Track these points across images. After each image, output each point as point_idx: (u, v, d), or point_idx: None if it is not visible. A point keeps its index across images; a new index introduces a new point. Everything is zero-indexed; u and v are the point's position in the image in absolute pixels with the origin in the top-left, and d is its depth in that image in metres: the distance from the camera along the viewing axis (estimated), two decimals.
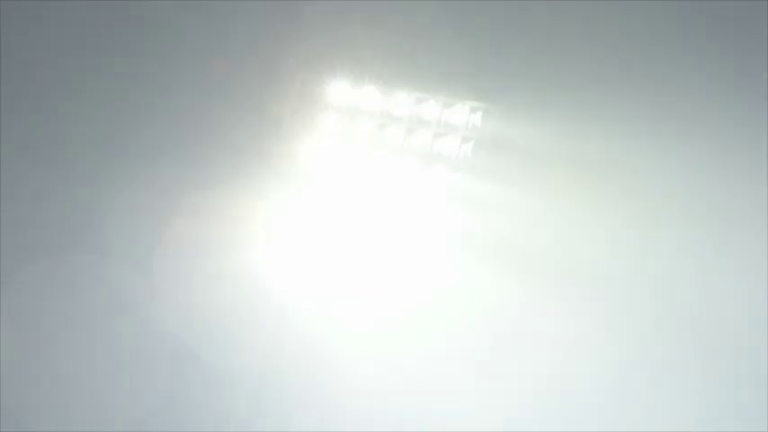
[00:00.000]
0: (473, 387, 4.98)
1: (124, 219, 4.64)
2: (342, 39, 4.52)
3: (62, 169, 4.66)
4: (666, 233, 4.75)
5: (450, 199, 4.88)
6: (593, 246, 4.80)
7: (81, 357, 4.84)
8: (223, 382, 4.95)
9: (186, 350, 4.81)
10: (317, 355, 5.00)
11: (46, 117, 4.59)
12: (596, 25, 4.49)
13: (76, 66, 4.56)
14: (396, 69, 4.62)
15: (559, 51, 4.55)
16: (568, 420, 4.89)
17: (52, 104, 4.59)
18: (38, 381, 4.83)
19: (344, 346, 5.00)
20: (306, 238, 4.93)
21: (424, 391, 4.95)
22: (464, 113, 4.73)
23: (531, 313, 4.93)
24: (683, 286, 4.78)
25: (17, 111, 4.55)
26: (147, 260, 4.68)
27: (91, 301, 4.78)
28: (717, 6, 4.40)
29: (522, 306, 4.92)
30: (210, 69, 4.56)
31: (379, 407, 4.93)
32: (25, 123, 4.58)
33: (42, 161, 4.64)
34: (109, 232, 4.66)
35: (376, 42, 4.53)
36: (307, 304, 4.98)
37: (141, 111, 4.63)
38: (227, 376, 4.94)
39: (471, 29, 4.50)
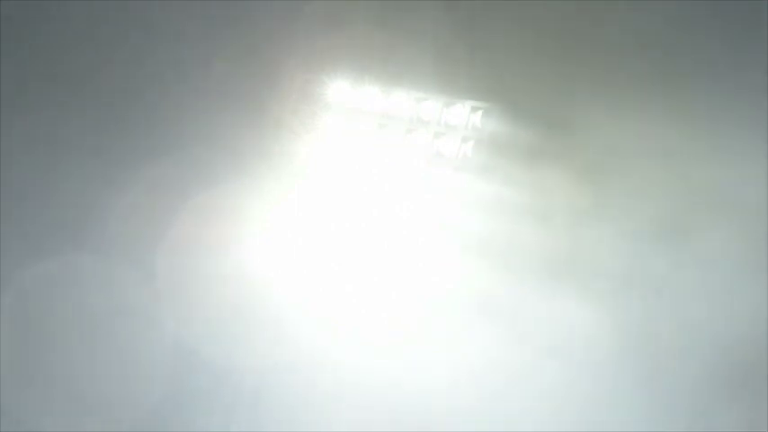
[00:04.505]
0: (474, 386, 4.98)
1: (124, 219, 4.64)
2: (342, 39, 4.52)
3: (62, 169, 4.66)
4: (668, 233, 4.75)
5: (450, 199, 4.88)
6: (594, 245, 4.80)
7: (81, 357, 4.85)
8: (224, 383, 4.96)
9: (187, 350, 4.82)
10: (318, 355, 5.00)
11: (46, 117, 4.59)
12: (597, 25, 4.49)
13: (76, 65, 4.56)
14: (396, 69, 4.62)
15: (560, 51, 4.55)
16: (570, 422, 4.90)
17: (52, 104, 4.59)
18: (38, 381, 4.83)
19: (346, 345, 5.00)
20: (306, 237, 4.93)
21: (425, 391, 4.96)
22: (464, 113, 4.73)
23: (532, 312, 4.93)
24: (685, 286, 4.78)
25: (17, 110, 4.55)
26: (148, 260, 4.68)
27: (91, 302, 4.78)
28: (718, 6, 4.40)
29: (522, 305, 4.92)
30: (210, 69, 4.55)
31: (382, 406, 4.94)
32: (25, 123, 4.58)
33: (42, 161, 4.64)
34: (109, 232, 4.66)
35: (376, 42, 4.52)
36: (307, 304, 4.99)
37: (141, 110, 4.63)
38: (229, 376, 4.95)
39: (471, 29, 4.50)
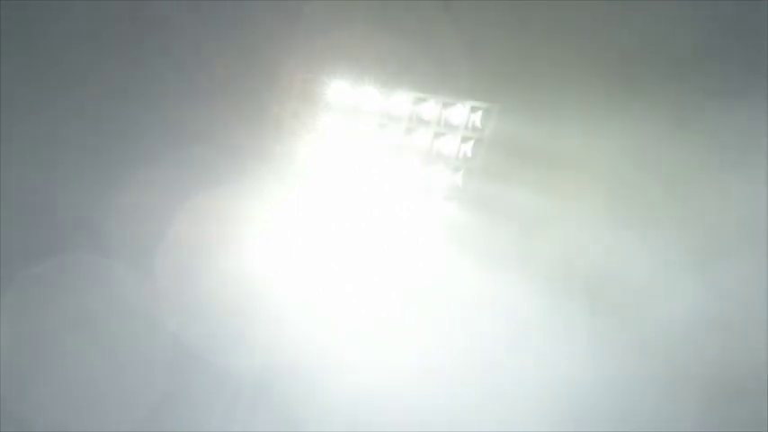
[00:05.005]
0: (473, 387, 4.99)
1: (124, 219, 4.64)
2: (342, 39, 4.52)
3: (62, 169, 4.65)
4: (667, 234, 4.75)
5: (449, 199, 4.88)
6: (594, 246, 4.81)
7: (81, 358, 4.85)
8: (224, 383, 4.96)
9: (186, 350, 4.82)
10: (317, 355, 5.00)
11: (46, 117, 4.59)
12: (597, 24, 4.48)
13: (76, 65, 4.56)
14: (395, 69, 4.61)
15: (560, 51, 4.54)
16: (566, 422, 4.91)
17: (52, 104, 4.59)
18: (38, 381, 4.83)
19: (345, 345, 5.01)
20: (305, 237, 4.93)
21: (424, 391, 4.97)
22: (464, 113, 4.73)
23: (531, 313, 4.94)
24: (684, 289, 4.78)
25: (17, 110, 4.55)
26: (148, 260, 4.68)
27: (91, 302, 4.78)
28: (718, 6, 4.39)
29: (521, 306, 4.92)
30: (210, 69, 4.55)
31: (381, 406, 4.95)
32: (25, 123, 4.58)
33: (42, 161, 4.63)
34: (109, 232, 4.66)
35: (376, 42, 4.52)
36: (307, 304, 4.99)
37: (141, 110, 4.63)
38: (228, 376, 4.95)
39: (471, 29, 4.50)
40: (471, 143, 4.77)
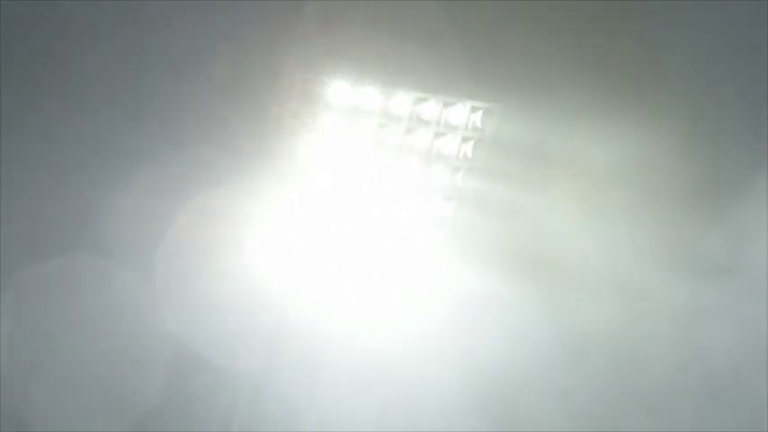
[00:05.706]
0: (473, 386, 4.99)
1: (124, 219, 4.64)
2: (342, 39, 4.52)
3: (62, 169, 4.66)
4: (666, 234, 4.76)
5: (449, 199, 4.88)
6: (593, 246, 4.81)
7: (81, 358, 4.85)
8: (224, 383, 4.96)
9: (186, 350, 4.82)
10: (317, 355, 5.01)
11: (46, 117, 4.59)
12: (598, 25, 4.49)
13: (76, 65, 4.56)
14: (395, 69, 4.61)
15: (560, 51, 4.55)
16: (566, 422, 4.92)
17: (52, 104, 4.59)
18: (38, 381, 4.84)
19: (345, 345, 5.01)
20: (306, 237, 4.93)
21: (424, 391, 4.97)
22: (464, 113, 4.73)
23: (530, 312, 4.94)
24: (682, 289, 4.79)
25: (17, 111, 4.55)
26: (147, 260, 4.68)
27: (91, 302, 4.78)
28: (719, 7, 4.40)
29: (521, 306, 4.93)
30: (210, 69, 4.55)
31: (381, 406, 4.95)
32: (25, 123, 4.58)
33: (42, 161, 4.64)
34: (109, 232, 4.66)
35: (376, 42, 4.52)
36: (307, 304, 4.99)
37: (141, 110, 4.63)
38: (228, 376, 4.95)
39: (471, 29, 4.50)
40: (471, 143, 4.77)
